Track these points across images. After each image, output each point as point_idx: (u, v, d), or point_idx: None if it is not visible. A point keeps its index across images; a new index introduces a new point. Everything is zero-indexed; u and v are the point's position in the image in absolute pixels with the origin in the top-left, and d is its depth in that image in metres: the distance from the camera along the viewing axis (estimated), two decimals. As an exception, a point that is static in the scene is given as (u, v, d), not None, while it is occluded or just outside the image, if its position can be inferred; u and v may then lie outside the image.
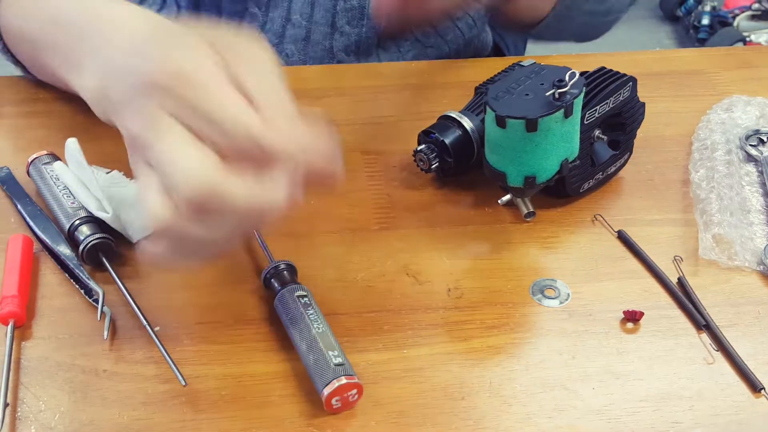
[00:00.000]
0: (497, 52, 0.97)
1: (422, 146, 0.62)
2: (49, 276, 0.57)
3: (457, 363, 0.52)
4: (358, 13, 0.79)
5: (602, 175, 0.64)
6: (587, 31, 0.81)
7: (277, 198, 0.45)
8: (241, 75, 0.45)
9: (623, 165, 0.65)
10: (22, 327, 0.53)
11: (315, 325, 0.51)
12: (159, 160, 0.44)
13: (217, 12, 0.85)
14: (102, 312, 0.53)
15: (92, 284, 0.54)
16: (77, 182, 0.60)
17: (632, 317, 0.55)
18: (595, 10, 0.77)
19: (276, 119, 0.44)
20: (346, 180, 0.64)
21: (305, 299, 0.52)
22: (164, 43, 0.46)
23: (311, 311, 0.52)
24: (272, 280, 0.54)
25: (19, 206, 0.60)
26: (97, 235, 0.56)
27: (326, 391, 0.48)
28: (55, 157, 0.62)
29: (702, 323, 0.55)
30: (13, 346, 0.51)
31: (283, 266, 0.55)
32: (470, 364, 0.52)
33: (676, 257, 0.59)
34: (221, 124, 0.43)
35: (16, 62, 0.72)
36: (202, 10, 0.86)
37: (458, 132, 0.62)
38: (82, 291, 0.55)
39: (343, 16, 0.79)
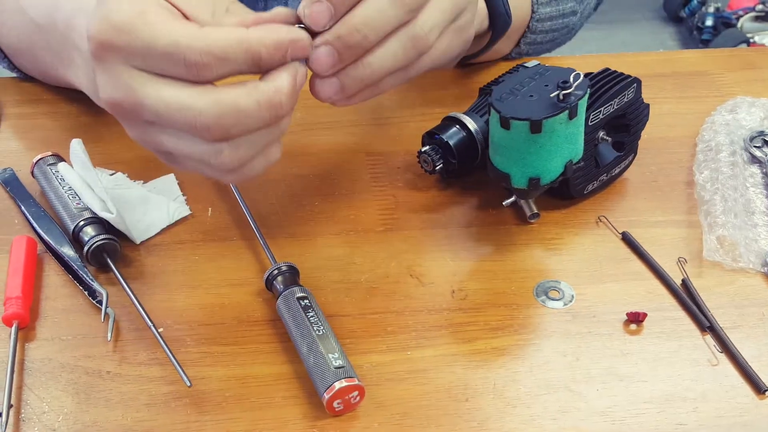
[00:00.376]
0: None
1: (426, 147, 0.62)
2: (53, 277, 0.57)
3: (461, 364, 0.52)
4: None
5: (606, 176, 0.64)
6: (550, 49, 0.82)
7: (279, 83, 0.46)
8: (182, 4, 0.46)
9: (627, 166, 0.65)
10: (25, 328, 0.53)
11: (315, 328, 0.51)
12: (158, 115, 0.46)
13: None
14: (106, 313, 0.53)
15: (96, 285, 0.54)
16: (82, 183, 0.60)
17: (635, 319, 0.55)
18: (555, 37, 0.77)
19: (226, 24, 0.46)
20: (350, 181, 0.65)
21: (306, 301, 0.52)
22: (104, 4, 0.46)
23: (312, 313, 0.51)
24: (274, 282, 0.54)
25: (22, 207, 0.60)
26: (102, 236, 0.56)
27: (327, 394, 0.48)
28: (60, 158, 0.62)
29: (706, 325, 0.55)
30: (17, 348, 0.51)
31: (284, 268, 0.55)
32: (474, 366, 0.52)
33: (681, 259, 0.59)
34: (179, 57, 0.44)
35: (27, 77, 0.73)
36: None
37: (462, 133, 0.62)
38: (86, 292, 0.55)
39: None
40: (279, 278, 0.54)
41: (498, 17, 0.64)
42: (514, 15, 0.68)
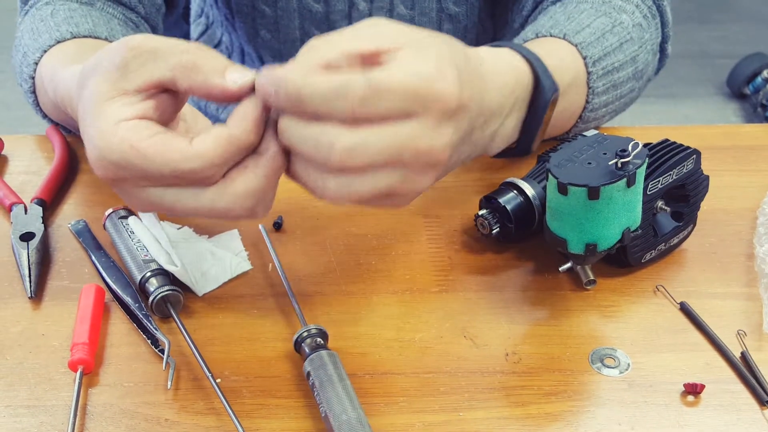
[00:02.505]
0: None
1: (483, 211, 0.63)
2: (118, 325, 0.59)
3: (513, 428, 0.52)
4: None
5: (665, 246, 0.63)
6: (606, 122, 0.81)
7: (272, 151, 0.51)
8: None
9: (686, 237, 0.65)
10: (90, 374, 0.55)
11: (321, 408, 0.51)
12: (188, 215, 0.52)
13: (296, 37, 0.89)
14: (167, 362, 0.54)
15: (159, 334, 0.56)
16: (149, 236, 0.62)
17: (693, 390, 0.54)
18: (611, 113, 0.76)
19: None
20: (407, 242, 0.66)
21: (311, 379, 0.52)
22: (92, 140, 0.51)
23: (316, 392, 0.51)
24: (300, 349, 0.55)
25: (93, 257, 0.63)
26: (167, 287, 0.58)
27: None
28: (130, 212, 0.65)
29: (765, 399, 0.53)
30: (81, 392, 0.53)
31: (305, 334, 0.55)
32: (527, 431, 0.52)
33: (740, 331, 0.58)
34: (186, 175, 0.49)
35: None
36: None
37: (520, 198, 0.63)
38: (149, 341, 0.57)
39: None
40: (301, 349, 0.55)
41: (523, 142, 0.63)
42: (564, 108, 0.67)
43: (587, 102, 0.71)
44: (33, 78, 0.72)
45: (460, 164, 0.58)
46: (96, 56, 0.52)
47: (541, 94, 0.61)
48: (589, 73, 0.69)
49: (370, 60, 0.49)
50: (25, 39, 0.75)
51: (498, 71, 0.57)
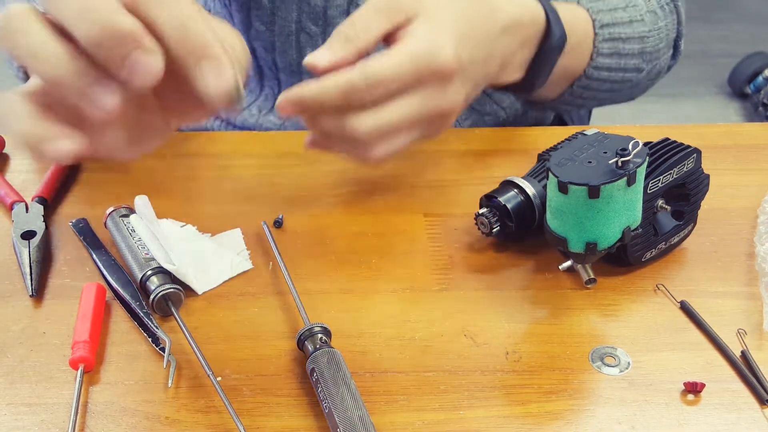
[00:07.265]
0: (560, 121, 0.98)
1: (484, 210, 0.63)
2: (119, 323, 0.59)
3: (514, 427, 0.52)
4: None
5: (665, 244, 0.63)
6: (614, 100, 0.83)
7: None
8: None
9: (687, 236, 0.65)
10: (90, 372, 0.55)
11: (324, 405, 0.51)
12: None
13: (297, 31, 0.89)
14: (168, 360, 0.54)
15: (160, 333, 0.56)
16: (150, 234, 0.62)
17: (693, 389, 0.54)
18: (614, 89, 0.80)
19: None
20: (408, 241, 0.66)
21: (315, 375, 0.52)
22: None
23: (320, 388, 0.51)
24: (302, 349, 0.55)
25: (94, 256, 0.63)
26: (168, 285, 0.58)
27: None
28: (132, 210, 0.65)
29: (765, 398, 0.53)
30: (81, 390, 0.53)
31: (306, 333, 0.55)
32: (527, 429, 0.52)
33: (740, 330, 0.58)
34: None
35: None
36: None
37: (520, 197, 0.63)
38: (150, 339, 0.57)
39: None
40: (303, 346, 0.55)
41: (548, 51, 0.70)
42: (571, 53, 0.72)
43: (591, 59, 0.76)
44: None
45: (476, 91, 0.66)
46: None
47: (550, 38, 0.69)
48: (596, 34, 0.75)
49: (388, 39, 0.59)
50: None
51: (513, 13, 0.66)
